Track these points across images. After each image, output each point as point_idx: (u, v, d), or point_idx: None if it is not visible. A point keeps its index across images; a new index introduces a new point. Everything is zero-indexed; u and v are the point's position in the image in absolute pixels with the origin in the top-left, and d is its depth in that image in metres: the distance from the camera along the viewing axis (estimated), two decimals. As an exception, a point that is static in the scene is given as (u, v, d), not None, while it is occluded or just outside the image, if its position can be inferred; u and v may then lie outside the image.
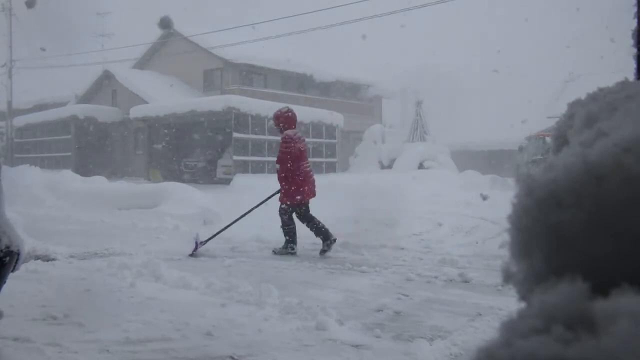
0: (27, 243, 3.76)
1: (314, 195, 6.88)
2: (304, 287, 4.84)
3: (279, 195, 6.78)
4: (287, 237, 6.68)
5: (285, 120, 6.84)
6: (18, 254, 2.64)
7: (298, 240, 6.67)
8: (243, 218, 6.95)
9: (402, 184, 14.88)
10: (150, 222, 9.05)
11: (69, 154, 26.67)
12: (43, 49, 27.21)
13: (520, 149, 21.18)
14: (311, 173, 6.93)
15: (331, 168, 24.00)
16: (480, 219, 10.01)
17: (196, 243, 6.48)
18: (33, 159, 27.14)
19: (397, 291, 4.72)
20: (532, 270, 0.61)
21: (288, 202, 6.67)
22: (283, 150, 6.71)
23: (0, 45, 29.82)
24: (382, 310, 4.09)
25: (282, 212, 6.71)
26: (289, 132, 6.79)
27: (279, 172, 6.76)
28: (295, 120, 6.97)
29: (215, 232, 6.83)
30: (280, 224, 6.71)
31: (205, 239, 6.64)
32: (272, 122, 7.21)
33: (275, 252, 6.65)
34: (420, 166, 23.13)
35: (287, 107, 7.17)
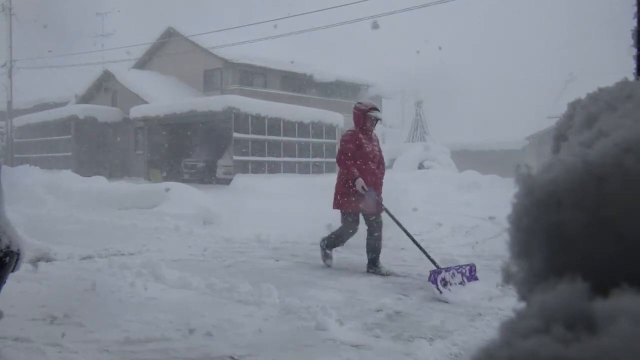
0: (27, 243, 3.76)
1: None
2: (304, 287, 4.84)
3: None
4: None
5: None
6: (18, 254, 2.64)
7: (298, 241, 6.67)
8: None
9: (402, 184, 14.87)
10: (150, 222, 9.05)
11: (69, 154, 26.63)
12: (49, 51, 27.15)
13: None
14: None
15: (331, 168, 24.00)
16: (480, 219, 10.02)
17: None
18: (33, 159, 27.10)
19: (397, 291, 4.72)
20: (532, 270, 0.61)
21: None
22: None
23: (0, 46, 29.83)
24: (382, 310, 4.09)
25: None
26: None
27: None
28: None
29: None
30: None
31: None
32: (377, 113, 5.84)
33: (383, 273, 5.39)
34: (420, 166, 23.11)
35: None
